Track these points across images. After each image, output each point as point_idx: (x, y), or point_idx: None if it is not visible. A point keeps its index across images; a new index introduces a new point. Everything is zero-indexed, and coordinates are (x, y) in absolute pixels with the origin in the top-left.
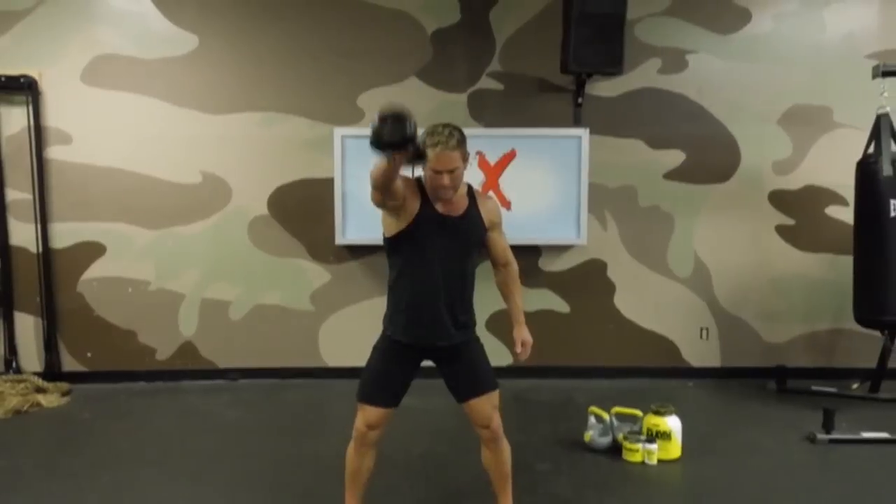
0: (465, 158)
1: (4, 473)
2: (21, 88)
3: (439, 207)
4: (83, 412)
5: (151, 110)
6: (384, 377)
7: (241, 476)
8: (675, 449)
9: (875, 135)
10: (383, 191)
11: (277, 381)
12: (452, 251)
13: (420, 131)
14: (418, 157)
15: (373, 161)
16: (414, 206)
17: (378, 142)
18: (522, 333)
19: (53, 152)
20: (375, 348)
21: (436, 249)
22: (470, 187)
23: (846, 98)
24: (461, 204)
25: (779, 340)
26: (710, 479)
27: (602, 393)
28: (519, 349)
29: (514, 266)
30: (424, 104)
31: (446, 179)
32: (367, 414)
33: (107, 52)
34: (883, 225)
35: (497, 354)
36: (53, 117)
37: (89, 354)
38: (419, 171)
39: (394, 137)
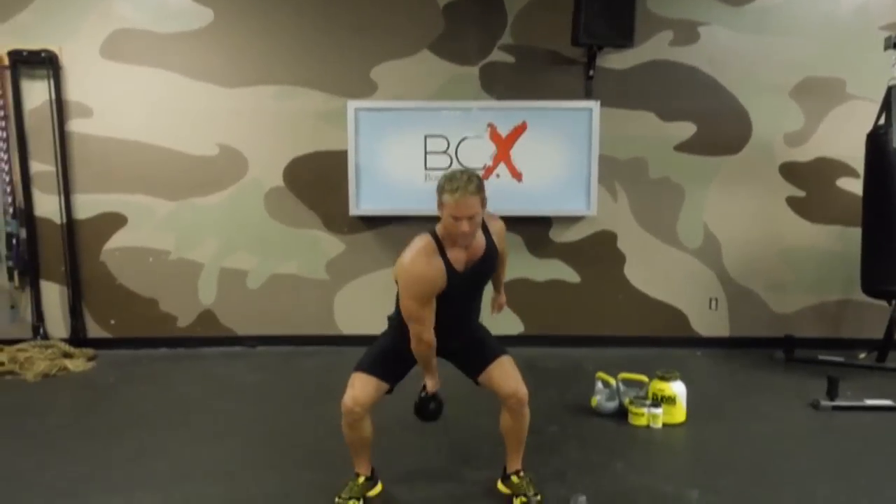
0: (483, 204)
1: (36, 433)
2: (42, 63)
3: (459, 262)
4: (108, 376)
5: (169, 84)
6: (387, 354)
7: (259, 435)
8: (679, 413)
9: (885, 106)
10: None
11: (294, 349)
12: (476, 289)
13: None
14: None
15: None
16: (442, 282)
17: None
18: (500, 298)
19: (75, 125)
20: (384, 334)
21: (462, 296)
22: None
23: (859, 70)
24: (479, 245)
25: (787, 311)
26: (713, 442)
27: (611, 361)
28: (492, 307)
29: (506, 252)
30: (437, 77)
31: (465, 226)
32: (356, 388)
33: (125, 27)
34: (891, 196)
35: (509, 323)
36: (74, 91)
37: (113, 322)
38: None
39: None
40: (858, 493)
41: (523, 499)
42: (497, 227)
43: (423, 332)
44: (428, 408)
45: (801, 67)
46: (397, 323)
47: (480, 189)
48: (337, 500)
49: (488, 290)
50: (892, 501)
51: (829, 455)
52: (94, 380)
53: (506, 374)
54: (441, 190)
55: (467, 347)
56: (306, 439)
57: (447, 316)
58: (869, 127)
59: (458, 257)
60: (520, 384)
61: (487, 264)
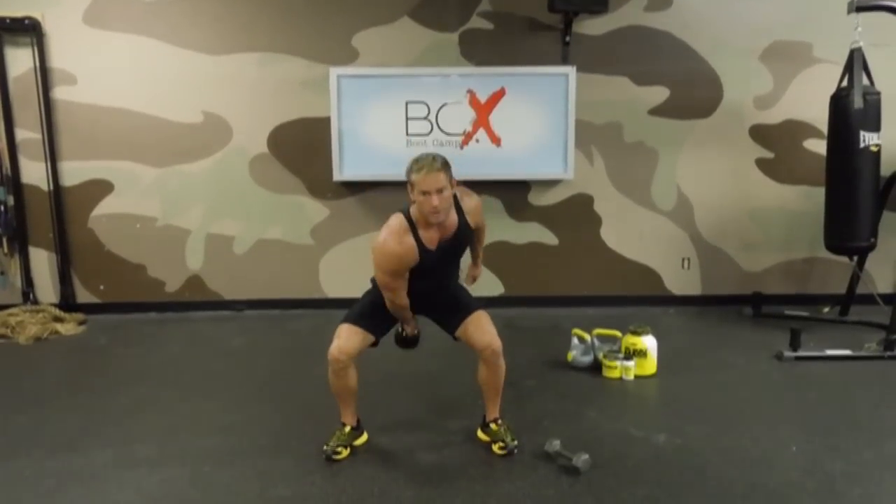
0: (451, 182)
1: (32, 391)
2: (25, 30)
3: (432, 241)
4: (100, 339)
5: (152, 51)
6: (373, 308)
7: (250, 391)
8: (650, 366)
9: (848, 69)
10: None
11: (280, 312)
12: (449, 262)
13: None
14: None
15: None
16: (413, 259)
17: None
18: (474, 270)
19: (59, 93)
20: (369, 292)
21: (435, 270)
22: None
23: (826, 33)
24: (451, 222)
25: (756, 269)
26: (682, 392)
27: (588, 320)
28: (464, 277)
29: (484, 226)
30: (417, 43)
31: (435, 199)
32: (342, 339)
33: None
34: (852, 155)
35: (489, 285)
36: (58, 58)
37: (102, 287)
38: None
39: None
40: (816, 435)
41: (501, 444)
42: (471, 205)
43: (396, 299)
44: (405, 337)
45: (770, 31)
46: (376, 286)
47: (446, 166)
48: (325, 448)
49: (467, 255)
50: (846, 441)
51: (790, 401)
52: (86, 342)
53: (481, 328)
54: (409, 172)
55: (444, 305)
56: (295, 395)
57: (423, 285)
58: (833, 89)
59: (430, 236)
60: (494, 337)
61: (459, 241)
